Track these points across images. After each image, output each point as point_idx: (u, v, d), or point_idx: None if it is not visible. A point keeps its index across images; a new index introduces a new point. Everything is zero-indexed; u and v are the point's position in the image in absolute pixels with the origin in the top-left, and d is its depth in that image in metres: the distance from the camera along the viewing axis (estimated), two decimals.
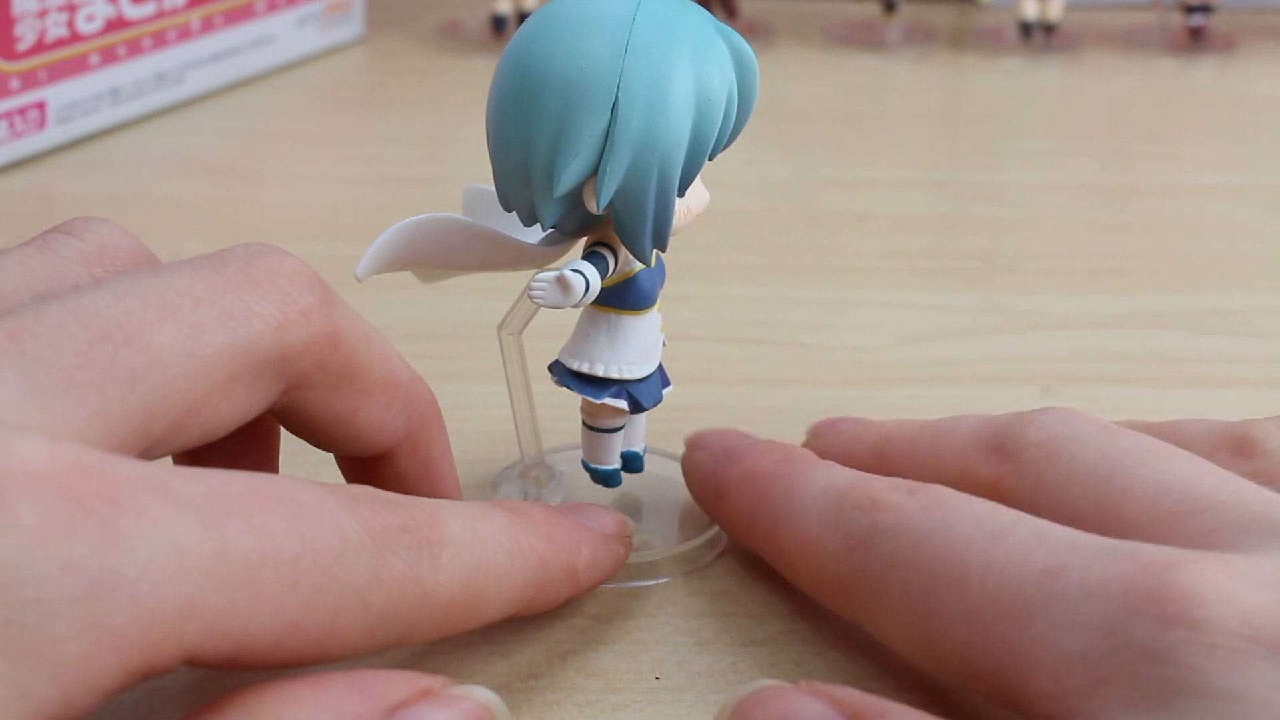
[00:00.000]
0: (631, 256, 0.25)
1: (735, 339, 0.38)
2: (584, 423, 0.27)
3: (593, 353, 0.26)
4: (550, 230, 0.25)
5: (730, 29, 0.24)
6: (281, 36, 0.60)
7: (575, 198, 0.24)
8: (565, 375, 0.26)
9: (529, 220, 0.25)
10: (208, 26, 0.56)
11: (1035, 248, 0.46)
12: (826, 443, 0.29)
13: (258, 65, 0.59)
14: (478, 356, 0.37)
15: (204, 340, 0.21)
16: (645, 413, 0.28)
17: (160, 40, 0.54)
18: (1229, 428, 0.26)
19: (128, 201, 0.47)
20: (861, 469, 0.28)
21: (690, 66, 0.23)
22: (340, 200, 0.48)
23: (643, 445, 0.28)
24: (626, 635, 0.26)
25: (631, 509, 0.29)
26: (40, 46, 0.49)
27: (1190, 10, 0.70)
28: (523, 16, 0.67)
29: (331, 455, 0.25)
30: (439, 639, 0.22)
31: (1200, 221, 0.49)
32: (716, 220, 0.32)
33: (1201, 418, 0.27)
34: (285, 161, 0.52)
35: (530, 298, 0.25)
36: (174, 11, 0.54)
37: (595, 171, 0.23)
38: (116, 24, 0.52)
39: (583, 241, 0.26)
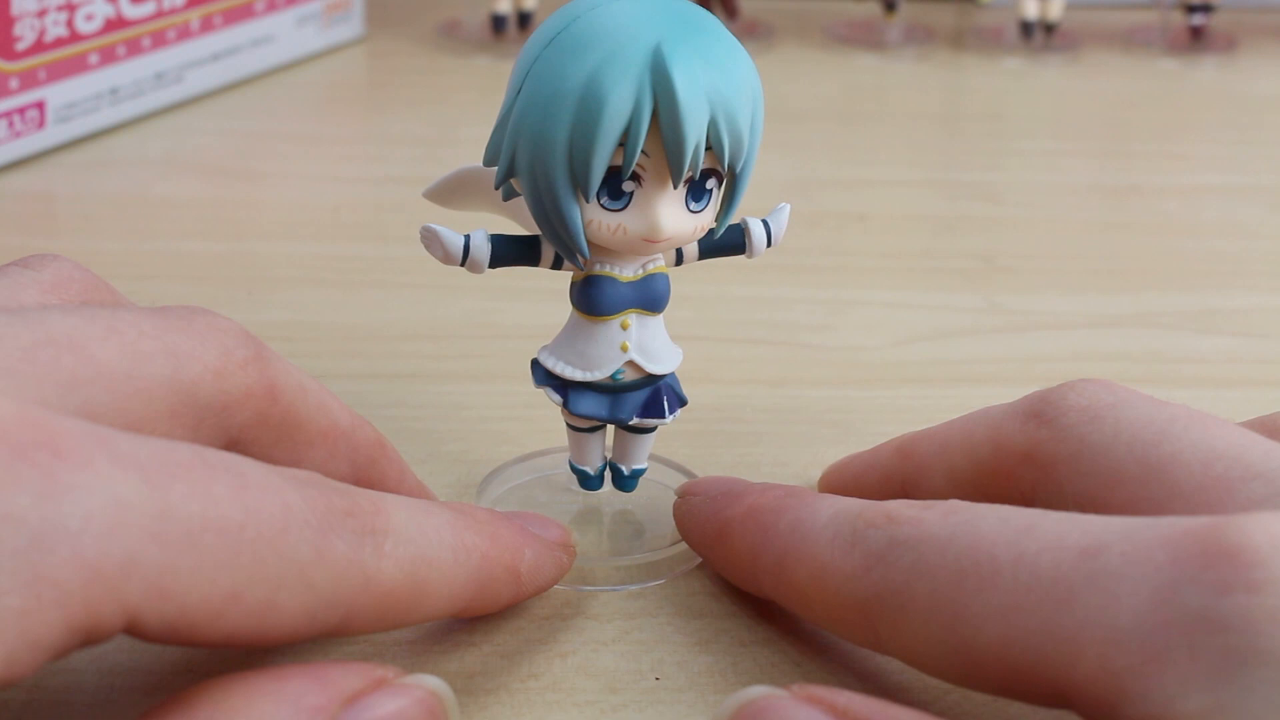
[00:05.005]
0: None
1: (735, 339, 0.38)
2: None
3: (552, 344, 0.27)
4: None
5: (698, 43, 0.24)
6: (281, 36, 0.60)
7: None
8: (534, 362, 0.27)
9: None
10: (207, 26, 0.56)
11: (1035, 248, 0.46)
12: (845, 463, 0.29)
13: (257, 65, 0.59)
14: (478, 356, 0.37)
15: (147, 367, 0.21)
16: (642, 435, 0.28)
17: (160, 40, 0.54)
18: (1256, 420, 0.25)
19: (127, 201, 0.47)
20: (888, 470, 0.28)
21: (585, 65, 0.23)
22: (340, 200, 0.48)
23: (638, 466, 0.28)
24: (626, 635, 0.26)
25: (625, 511, 0.29)
26: (39, 46, 0.49)
27: (1191, 10, 0.70)
28: (523, 16, 0.67)
29: None
30: (379, 630, 0.22)
31: (1200, 221, 0.49)
32: None
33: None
34: (285, 161, 0.52)
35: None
36: (173, 11, 0.54)
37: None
38: (116, 24, 0.52)
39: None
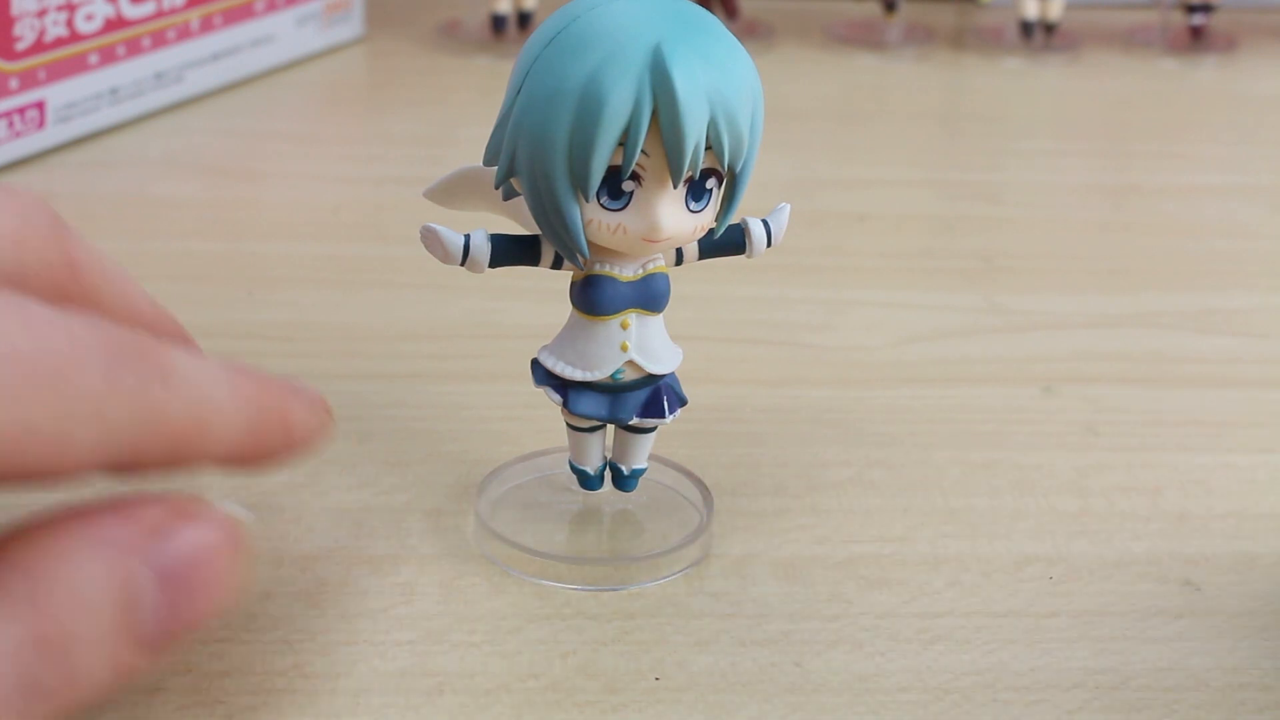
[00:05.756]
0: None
1: (735, 339, 0.38)
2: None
3: (552, 344, 0.27)
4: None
5: (694, 42, 0.24)
6: (281, 36, 0.60)
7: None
8: (534, 362, 0.27)
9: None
10: (207, 26, 0.56)
11: (1035, 248, 0.46)
12: None
13: (257, 65, 0.59)
14: (478, 356, 0.37)
15: None
16: (642, 435, 0.28)
17: (159, 40, 0.54)
18: None
19: (127, 201, 0.47)
20: None
21: (585, 65, 0.23)
22: (340, 200, 0.48)
23: (638, 466, 0.28)
24: (626, 635, 0.26)
25: (625, 511, 0.29)
26: (39, 46, 0.49)
27: (1191, 9, 0.70)
28: (523, 16, 0.67)
29: None
30: (166, 469, 0.22)
31: (1200, 221, 0.49)
32: None
33: None
34: (285, 161, 0.52)
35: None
36: (173, 11, 0.54)
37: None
38: (116, 23, 0.52)
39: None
